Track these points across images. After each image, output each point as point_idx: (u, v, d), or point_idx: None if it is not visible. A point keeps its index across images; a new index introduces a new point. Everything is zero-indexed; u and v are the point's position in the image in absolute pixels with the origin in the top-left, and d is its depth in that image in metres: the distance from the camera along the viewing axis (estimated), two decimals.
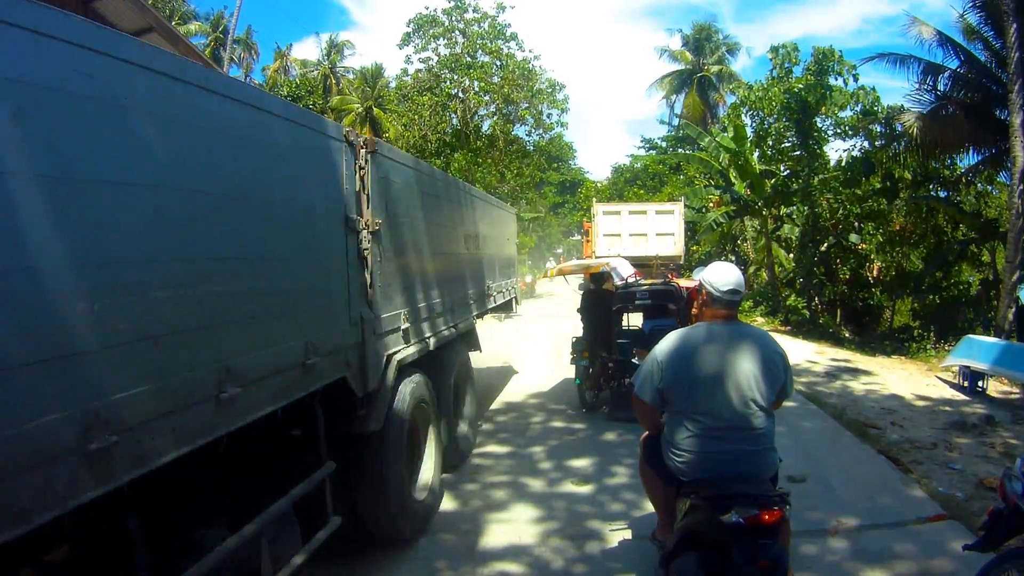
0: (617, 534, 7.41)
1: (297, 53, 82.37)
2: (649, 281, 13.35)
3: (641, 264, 18.75)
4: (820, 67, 27.31)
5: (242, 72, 74.85)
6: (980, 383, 15.31)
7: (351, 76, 73.59)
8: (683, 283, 13.05)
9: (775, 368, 5.05)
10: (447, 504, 8.53)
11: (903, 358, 21.11)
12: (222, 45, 61.56)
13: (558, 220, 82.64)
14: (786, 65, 28.81)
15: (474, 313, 11.65)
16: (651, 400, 5.25)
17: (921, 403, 14.16)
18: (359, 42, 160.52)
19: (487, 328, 26.30)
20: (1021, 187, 19.66)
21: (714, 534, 4.57)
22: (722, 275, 5.21)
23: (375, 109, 60.90)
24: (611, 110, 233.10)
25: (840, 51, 27.48)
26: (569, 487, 9.07)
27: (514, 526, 7.78)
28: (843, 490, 8.57)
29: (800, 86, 27.14)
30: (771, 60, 29.32)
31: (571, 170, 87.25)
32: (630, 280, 12.77)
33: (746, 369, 4.94)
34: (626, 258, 16.09)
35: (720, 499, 4.60)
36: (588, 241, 31.45)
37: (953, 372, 16.70)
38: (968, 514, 7.61)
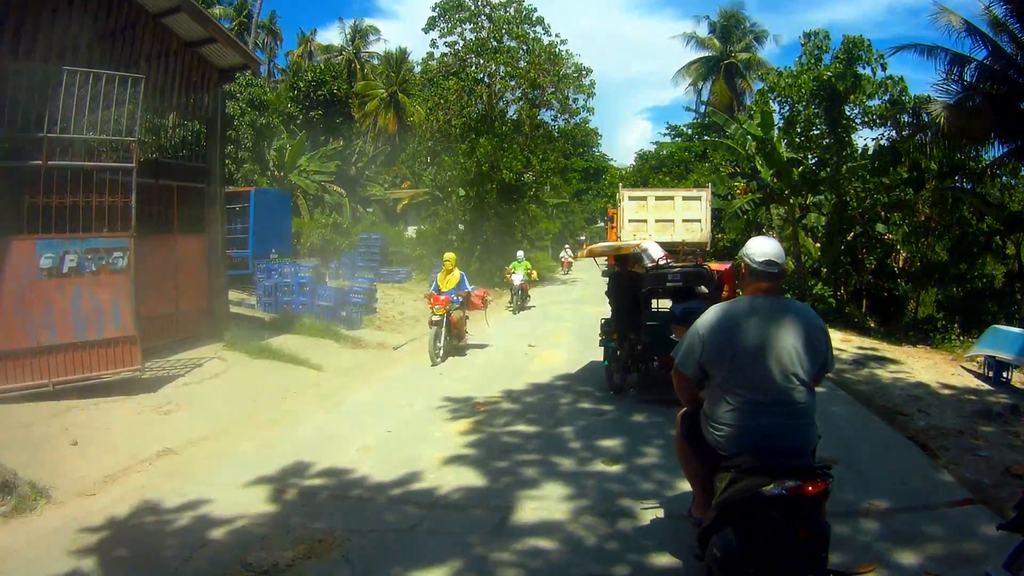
0: (650, 512, 7.43)
1: (321, 39, 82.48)
2: (680, 264, 13.32)
3: (667, 251, 18.75)
4: (850, 55, 27.20)
5: (266, 57, 75.06)
6: (1005, 374, 15.32)
7: (375, 62, 73.53)
8: (714, 266, 13.05)
9: (817, 343, 5.05)
10: (477, 480, 8.61)
11: (928, 348, 21.11)
12: (246, 30, 61.82)
13: (581, 207, 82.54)
14: (816, 52, 28.70)
15: None
16: (693, 374, 5.28)
17: (947, 392, 14.17)
18: (384, 28, 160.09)
19: (510, 314, 26.06)
20: None
21: (755, 506, 4.58)
22: (760, 246, 5.23)
23: (399, 94, 60.90)
24: (634, 98, 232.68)
25: (869, 40, 27.44)
26: (599, 466, 9.10)
27: (545, 503, 7.81)
28: (874, 473, 8.60)
29: (829, 73, 27.03)
30: (802, 46, 29.24)
31: (595, 157, 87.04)
32: (661, 262, 12.73)
33: (788, 343, 4.94)
34: None
35: (762, 471, 4.61)
36: (613, 227, 31.41)
37: (978, 362, 16.71)
38: (996, 500, 7.62)
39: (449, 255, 18.77)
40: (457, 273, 17.94)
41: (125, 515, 7.46)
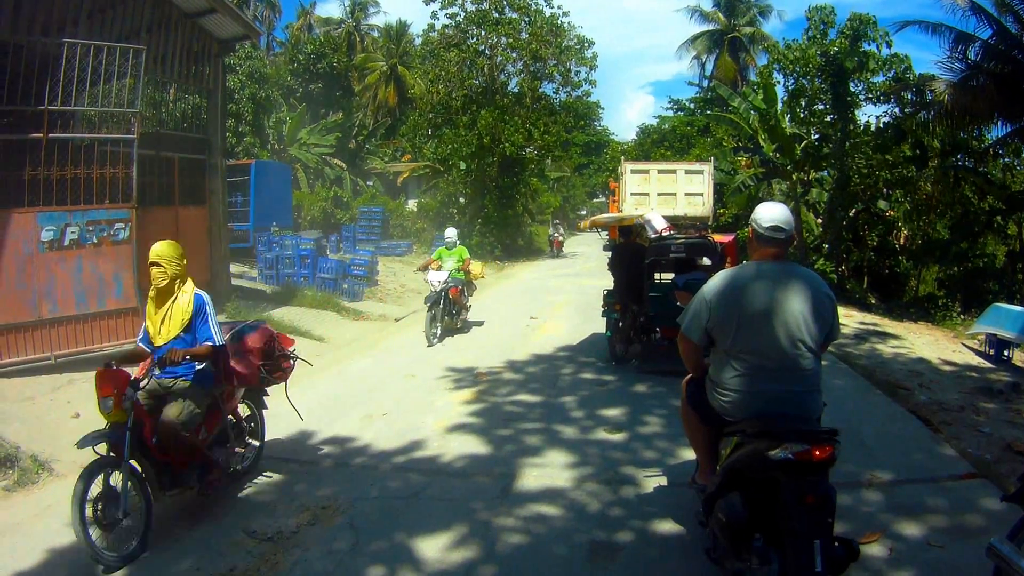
0: (652, 480, 7.49)
1: (320, 11, 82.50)
2: (684, 235, 13.32)
3: (670, 224, 18.70)
4: (855, 32, 27.13)
5: (265, 30, 74.83)
6: (1006, 352, 15.34)
7: (375, 34, 73.31)
8: (717, 238, 13.05)
9: (824, 310, 5.02)
10: (480, 448, 8.67)
11: (929, 325, 21.12)
12: (246, 3, 61.52)
13: (583, 181, 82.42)
14: (822, 27, 28.66)
15: None
16: (699, 340, 5.27)
17: (948, 368, 14.14)
18: (383, 0, 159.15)
19: (514, 283, 26.02)
20: None
21: (761, 471, 4.58)
22: (766, 211, 5.18)
23: (400, 67, 60.73)
24: (637, 72, 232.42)
25: (875, 17, 27.37)
26: (602, 435, 9.15)
27: (548, 470, 7.87)
28: (875, 445, 8.62)
29: (835, 49, 26.98)
30: (808, 19, 29.18)
31: (596, 131, 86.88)
32: (664, 234, 12.74)
33: (795, 309, 4.91)
34: None
35: (768, 435, 4.60)
36: (615, 201, 31.27)
37: (979, 340, 16.72)
38: (998, 475, 7.61)
39: (160, 249, 7.05)
40: (188, 292, 7.11)
41: None
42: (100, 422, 6.28)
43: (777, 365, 4.92)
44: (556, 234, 47.22)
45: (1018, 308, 16.28)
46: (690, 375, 5.80)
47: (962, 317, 22.03)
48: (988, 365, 14.91)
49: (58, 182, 11.79)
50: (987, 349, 15.91)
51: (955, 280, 26.81)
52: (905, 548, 6.01)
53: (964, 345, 17.18)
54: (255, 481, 7.60)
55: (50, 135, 11.78)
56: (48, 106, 11.77)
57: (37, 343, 11.52)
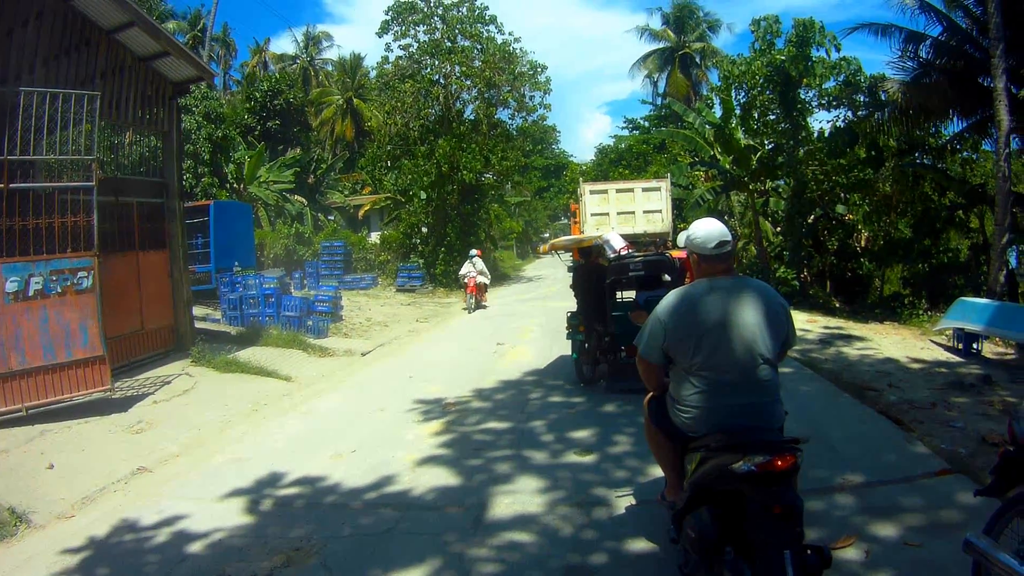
0: (624, 500, 7.47)
1: (275, 47, 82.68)
2: (642, 253, 13.37)
3: (630, 242, 18.77)
4: (801, 39, 27.29)
5: (221, 69, 74.86)
6: (974, 345, 15.46)
7: (330, 68, 73.51)
8: (675, 253, 13.10)
9: (778, 319, 5.06)
10: (452, 479, 8.60)
11: (896, 324, 21.22)
12: (200, 43, 61.66)
13: (544, 204, 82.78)
14: (767, 37, 28.77)
15: None
16: (657, 360, 5.30)
17: (917, 366, 14.26)
18: (336, 33, 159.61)
19: (479, 309, 25.99)
20: (1007, 151, 19.70)
21: (726, 484, 4.59)
22: (704, 231, 5.24)
23: (355, 100, 60.89)
24: (593, 93, 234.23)
25: (821, 22, 27.53)
26: (572, 457, 9.12)
27: (520, 497, 7.83)
28: (846, 449, 8.67)
29: (782, 58, 27.13)
30: (753, 33, 29.29)
31: (555, 154, 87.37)
32: (623, 252, 12.76)
33: (750, 321, 4.94)
34: None
35: (731, 448, 4.61)
36: (576, 223, 31.41)
37: (947, 335, 16.82)
38: (973, 469, 7.69)
39: None
40: None
41: (104, 535, 7.44)
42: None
43: (735, 379, 4.93)
44: (472, 271, 29.59)
45: (984, 300, 16.47)
46: (651, 393, 5.81)
47: (929, 314, 22.13)
48: (957, 360, 15.02)
49: (20, 232, 11.73)
50: (955, 344, 16.01)
51: (920, 278, 26.91)
52: (881, 550, 6.03)
53: (932, 342, 17.28)
54: (226, 525, 7.45)
55: (11, 185, 11.73)
56: (7, 156, 11.71)
57: (7, 395, 11.39)
